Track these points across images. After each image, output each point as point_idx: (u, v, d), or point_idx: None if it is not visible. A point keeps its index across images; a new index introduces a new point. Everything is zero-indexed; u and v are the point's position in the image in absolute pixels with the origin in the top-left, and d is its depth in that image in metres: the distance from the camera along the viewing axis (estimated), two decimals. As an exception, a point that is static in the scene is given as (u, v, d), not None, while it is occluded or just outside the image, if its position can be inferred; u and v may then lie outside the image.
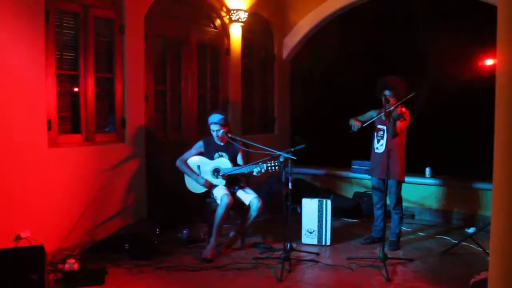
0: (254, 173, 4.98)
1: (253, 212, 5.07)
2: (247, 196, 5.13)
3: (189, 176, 5.27)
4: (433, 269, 4.73)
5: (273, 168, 4.87)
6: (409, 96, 5.01)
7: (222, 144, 5.28)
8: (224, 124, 5.20)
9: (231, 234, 5.35)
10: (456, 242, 5.34)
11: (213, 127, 5.21)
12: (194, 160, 5.29)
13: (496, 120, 1.76)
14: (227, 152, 5.25)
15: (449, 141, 9.21)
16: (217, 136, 5.21)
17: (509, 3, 1.64)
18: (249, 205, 5.09)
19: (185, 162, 5.29)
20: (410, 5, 9.91)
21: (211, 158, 5.24)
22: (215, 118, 5.21)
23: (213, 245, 4.96)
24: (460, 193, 6.51)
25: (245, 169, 5.07)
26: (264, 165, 4.89)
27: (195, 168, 5.27)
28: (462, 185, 6.49)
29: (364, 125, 5.20)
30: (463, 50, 9.14)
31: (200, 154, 5.34)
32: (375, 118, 5.28)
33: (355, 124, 5.21)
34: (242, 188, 5.26)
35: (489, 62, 8.73)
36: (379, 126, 5.34)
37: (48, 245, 4.21)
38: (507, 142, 1.69)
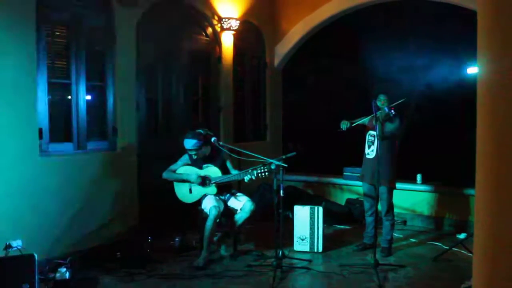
0: (245, 180, 4.98)
1: (244, 214, 5.05)
2: (239, 203, 5.13)
3: (180, 181, 5.21)
4: (425, 275, 4.75)
5: (263, 174, 4.87)
6: (399, 102, 5.09)
7: (207, 155, 5.26)
8: (198, 147, 5.04)
9: (217, 237, 5.32)
10: (447, 248, 5.38)
11: (191, 153, 5.11)
12: (184, 170, 5.26)
13: (477, 128, 1.79)
14: (214, 162, 5.22)
15: (440, 148, 9.27)
16: (199, 151, 5.11)
17: (490, 11, 1.68)
18: (240, 210, 5.09)
19: (173, 171, 5.24)
20: (400, 14, 10.02)
21: (200, 168, 5.23)
22: (189, 144, 5.03)
23: (205, 256, 4.95)
24: (451, 199, 6.54)
25: (235, 177, 5.07)
26: (255, 171, 4.89)
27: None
28: (453, 191, 6.52)
29: (353, 124, 5.25)
30: (453, 57, 9.23)
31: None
32: (364, 120, 5.34)
33: (346, 122, 5.26)
34: (233, 195, 5.26)
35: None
36: (370, 132, 5.39)
37: (39, 254, 4.18)
38: (487, 150, 1.73)
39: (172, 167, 5.27)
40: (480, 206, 1.82)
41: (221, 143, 5.21)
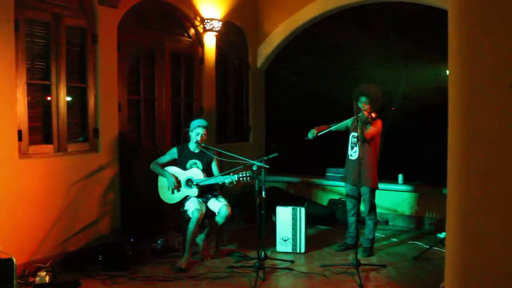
0: (227, 184, 4.98)
1: (220, 219, 5.06)
2: (217, 204, 5.13)
3: (162, 176, 5.22)
4: (406, 274, 4.81)
5: (245, 179, 4.87)
6: (372, 111, 5.16)
7: (196, 151, 5.27)
8: (208, 126, 5.27)
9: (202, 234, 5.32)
10: (427, 247, 5.44)
11: (199, 130, 5.18)
12: (168, 170, 5.25)
13: (449, 128, 1.82)
14: (201, 160, 5.24)
15: (421, 148, 9.38)
16: (200, 139, 5.17)
17: (460, 13, 1.71)
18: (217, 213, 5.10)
19: (159, 165, 5.27)
20: (383, 13, 10.11)
21: (184, 167, 5.22)
22: (201, 122, 5.26)
23: (187, 258, 4.94)
24: (431, 198, 6.63)
25: (217, 180, 5.07)
26: (236, 175, 4.89)
27: None
28: (433, 191, 6.60)
29: (319, 133, 5.31)
30: (433, 58, 9.36)
31: (174, 161, 5.31)
32: (332, 128, 5.40)
33: (313, 132, 5.32)
34: (215, 196, 5.26)
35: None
36: (353, 133, 5.43)
37: (18, 258, 4.13)
38: (458, 150, 1.76)
39: (160, 160, 5.32)
40: (451, 205, 1.85)
41: (203, 144, 5.22)
